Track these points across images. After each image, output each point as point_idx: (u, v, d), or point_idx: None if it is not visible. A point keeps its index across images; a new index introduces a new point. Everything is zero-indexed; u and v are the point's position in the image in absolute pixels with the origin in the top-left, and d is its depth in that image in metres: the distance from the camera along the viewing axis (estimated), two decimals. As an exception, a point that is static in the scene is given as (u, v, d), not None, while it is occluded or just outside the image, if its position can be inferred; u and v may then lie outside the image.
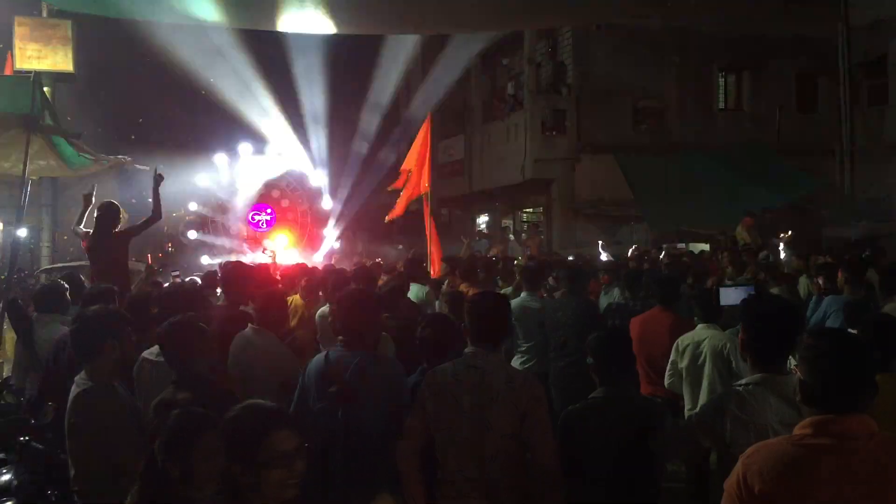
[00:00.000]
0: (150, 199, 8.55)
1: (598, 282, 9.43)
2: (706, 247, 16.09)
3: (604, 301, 8.56)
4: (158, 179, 8.63)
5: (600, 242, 14.83)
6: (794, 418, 3.14)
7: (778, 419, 3.17)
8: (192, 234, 15.06)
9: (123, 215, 8.37)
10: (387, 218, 13.83)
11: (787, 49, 21.38)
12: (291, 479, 2.49)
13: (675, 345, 5.74)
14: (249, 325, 5.08)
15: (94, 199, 8.61)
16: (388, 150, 30.36)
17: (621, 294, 8.46)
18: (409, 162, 12.77)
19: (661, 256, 12.40)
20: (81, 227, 8.33)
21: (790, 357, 3.52)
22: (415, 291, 7.83)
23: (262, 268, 8.52)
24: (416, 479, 3.71)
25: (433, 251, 12.39)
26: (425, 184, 12.25)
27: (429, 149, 12.18)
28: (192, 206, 15.03)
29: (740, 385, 3.36)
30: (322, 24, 10.21)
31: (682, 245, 17.33)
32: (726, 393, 3.38)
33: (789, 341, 3.41)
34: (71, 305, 6.09)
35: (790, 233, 12.99)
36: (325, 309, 6.68)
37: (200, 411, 2.67)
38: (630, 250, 13.30)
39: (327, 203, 16.49)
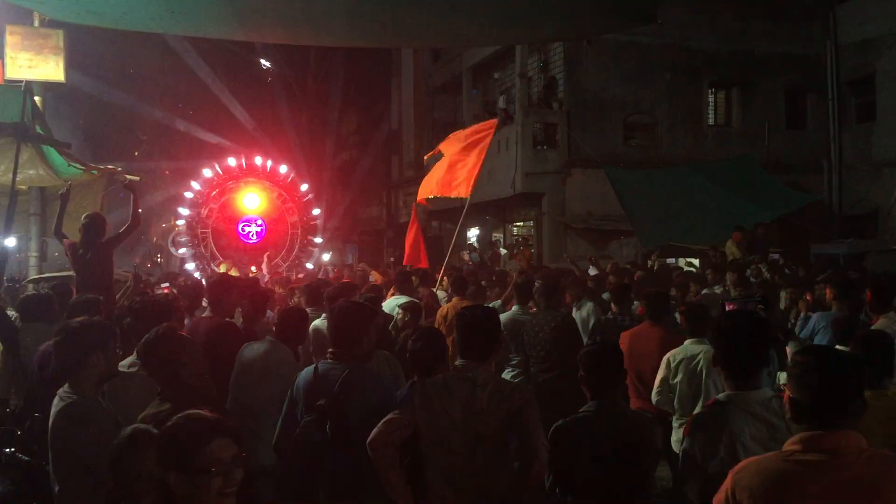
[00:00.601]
0: (130, 208, 8.60)
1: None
2: (696, 262, 16.12)
3: (577, 316, 8.36)
4: (131, 187, 8.73)
5: (591, 257, 14.88)
6: (765, 434, 3.16)
7: (748, 435, 3.18)
8: (182, 250, 15.03)
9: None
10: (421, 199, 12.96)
11: (777, 66, 21.57)
12: (228, 487, 2.46)
13: (664, 361, 5.71)
14: (267, 337, 5.12)
15: (69, 196, 8.66)
16: (375, 159, 30.47)
17: (593, 310, 8.43)
18: (453, 148, 11.74)
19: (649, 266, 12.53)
20: (62, 229, 8.32)
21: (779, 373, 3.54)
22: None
23: (253, 281, 8.53)
24: (397, 473, 3.63)
25: (422, 259, 12.43)
26: (468, 188, 11.30)
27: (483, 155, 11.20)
28: (183, 212, 14.97)
29: (705, 406, 3.37)
30: (314, 37, 10.24)
31: (671, 260, 17.37)
32: (693, 416, 3.38)
33: (759, 355, 3.41)
34: (59, 315, 6.06)
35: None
36: (318, 322, 6.65)
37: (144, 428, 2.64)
38: (608, 266, 13.35)
39: (317, 214, 16.46)
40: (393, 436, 3.63)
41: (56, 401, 3.60)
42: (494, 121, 12.24)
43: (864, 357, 3.72)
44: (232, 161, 15.12)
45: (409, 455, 3.78)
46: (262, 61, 22.91)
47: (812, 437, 2.45)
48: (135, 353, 4.10)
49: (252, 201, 14.87)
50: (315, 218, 15.87)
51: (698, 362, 5.51)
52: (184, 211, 14.86)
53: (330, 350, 4.16)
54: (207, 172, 15.06)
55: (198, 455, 2.42)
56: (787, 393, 2.59)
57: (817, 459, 2.41)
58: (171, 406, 3.45)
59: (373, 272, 13.26)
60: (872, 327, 5.67)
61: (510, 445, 3.69)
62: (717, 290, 9.68)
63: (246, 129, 26.40)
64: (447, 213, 26.48)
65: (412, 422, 3.68)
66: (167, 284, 11.31)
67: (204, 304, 6.70)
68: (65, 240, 8.21)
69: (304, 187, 15.72)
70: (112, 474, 2.51)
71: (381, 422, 3.65)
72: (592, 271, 12.98)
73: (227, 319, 5.86)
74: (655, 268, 13.70)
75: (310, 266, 15.17)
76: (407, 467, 3.73)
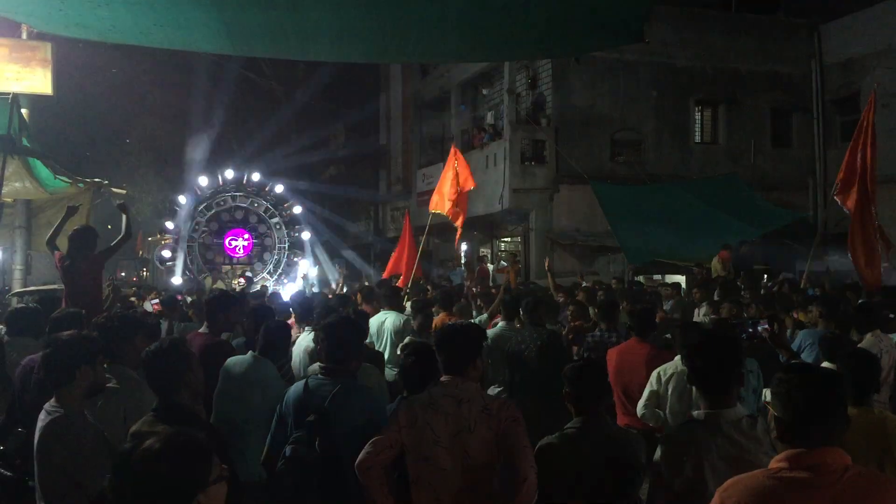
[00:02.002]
0: (122, 222, 8.57)
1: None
2: (682, 279, 16.19)
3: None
4: (122, 207, 8.72)
5: (581, 274, 14.94)
6: (733, 452, 3.18)
7: (716, 454, 3.19)
8: (167, 254, 14.94)
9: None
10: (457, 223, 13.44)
11: (762, 85, 21.80)
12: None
13: (654, 374, 5.67)
14: (250, 352, 5.05)
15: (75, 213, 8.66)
16: (364, 174, 30.48)
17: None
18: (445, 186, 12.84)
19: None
20: (55, 242, 8.27)
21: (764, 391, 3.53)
22: (392, 320, 7.78)
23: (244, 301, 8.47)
24: (385, 494, 3.63)
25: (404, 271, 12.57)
26: (450, 208, 12.42)
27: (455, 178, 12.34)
28: (169, 225, 14.92)
29: (680, 424, 3.39)
30: (303, 52, 10.25)
31: (658, 277, 17.45)
32: (666, 432, 3.40)
33: (731, 372, 3.44)
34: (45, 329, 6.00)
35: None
36: (302, 339, 6.61)
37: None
38: (583, 283, 13.39)
39: (304, 230, 16.44)
40: (380, 457, 3.63)
41: (42, 415, 3.54)
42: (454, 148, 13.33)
43: (849, 374, 3.75)
44: (219, 176, 15.11)
45: (396, 472, 3.77)
46: (257, 76, 22.97)
47: (797, 455, 2.47)
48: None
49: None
50: (301, 233, 15.86)
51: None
52: (170, 224, 14.81)
53: (321, 365, 4.14)
54: (196, 186, 15.04)
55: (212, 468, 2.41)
56: (772, 411, 2.61)
57: (802, 476, 2.42)
58: (167, 428, 3.41)
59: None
60: (859, 346, 5.70)
61: (498, 463, 3.68)
62: (703, 309, 9.68)
63: (233, 143, 26.39)
64: (434, 228, 26.49)
65: (398, 440, 3.67)
66: (156, 301, 11.23)
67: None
68: (56, 251, 8.16)
69: (291, 202, 15.72)
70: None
71: (369, 443, 3.65)
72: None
73: (221, 338, 5.83)
74: (627, 285, 13.74)
75: (294, 281, 15.12)
76: (395, 484, 3.72)
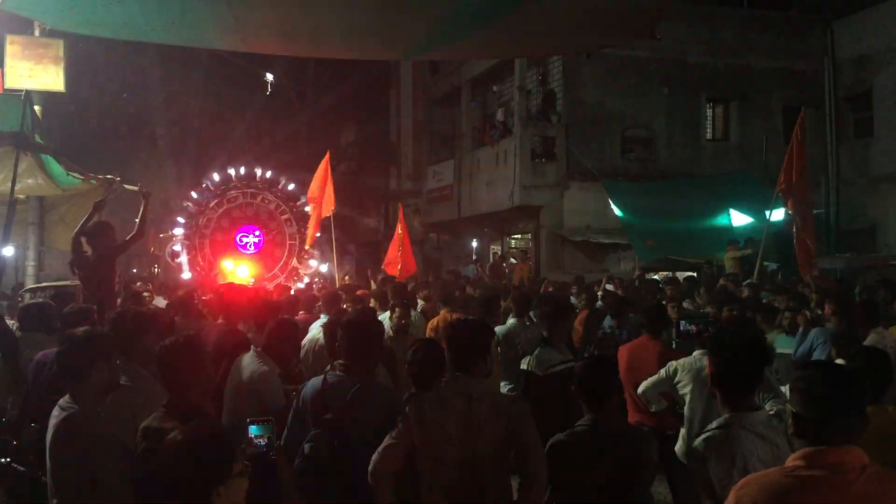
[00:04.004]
0: (137, 219, 8.56)
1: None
2: (693, 275, 16.13)
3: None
4: (146, 198, 8.68)
5: (608, 276, 14.90)
6: (770, 455, 3.15)
7: (756, 457, 3.17)
8: (180, 259, 14.97)
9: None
10: (307, 244, 14.80)
11: (774, 81, 21.68)
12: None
13: (671, 368, 5.59)
14: (252, 347, 5.02)
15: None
16: (374, 170, 30.50)
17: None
18: (313, 191, 14.20)
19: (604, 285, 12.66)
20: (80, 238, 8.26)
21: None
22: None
23: (262, 291, 8.44)
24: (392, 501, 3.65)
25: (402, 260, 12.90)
26: (330, 207, 13.81)
27: (328, 179, 13.98)
28: (178, 230, 14.93)
29: (711, 430, 3.35)
30: (313, 49, 10.25)
31: (668, 273, 17.39)
32: (702, 440, 3.36)
33: (758, 374, 3.42)
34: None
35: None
36: (312, 336, 6.60)
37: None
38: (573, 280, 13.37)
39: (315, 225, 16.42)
40: (393, 462, 3.64)
41: (56, 411, 3.52)
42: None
43: (864, 372, 3.72)
44: (231, 171, 15.12)
45: (404, 471, 3.76)
46: (267, 74, 22.95)
47: (814, 453, 2.44)
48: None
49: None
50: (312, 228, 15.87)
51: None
52: (182, 221, 14.84)
53: (340, 362, 4.13)
54: (206, 182, 15.06)
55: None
56: (789, 407, 2.59)
57: (819, 475, 2.40)
58: (178, 424, 3.42)
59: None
60: (864, 343, 5.66)
61: (508, 460, 3.67)
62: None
63: (245, 139, 26.43)
64: (445, 225, 26.53)
65: (410, 441, 3.67)
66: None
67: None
68: (76, 248, 8.17)
69: (303, 199, 15.72)
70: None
71: (381, 448, 3.64)
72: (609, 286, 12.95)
73: (238, 328, 5.84)
74: (637, 283, 13.68)
75: (306, 280, 15.13)
76: (402, 483, 3.71)
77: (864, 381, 2.67)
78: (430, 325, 8.05)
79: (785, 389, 4.28)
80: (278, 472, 3.73)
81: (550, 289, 12.03)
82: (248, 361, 4.85)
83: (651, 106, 21.14)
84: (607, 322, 8.49)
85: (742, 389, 3.37)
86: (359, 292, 9.79)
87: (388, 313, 7.68)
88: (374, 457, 3.62)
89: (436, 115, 28.51)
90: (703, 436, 3.34)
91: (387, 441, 3.66)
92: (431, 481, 3.65)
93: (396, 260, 14.40)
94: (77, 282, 8.55)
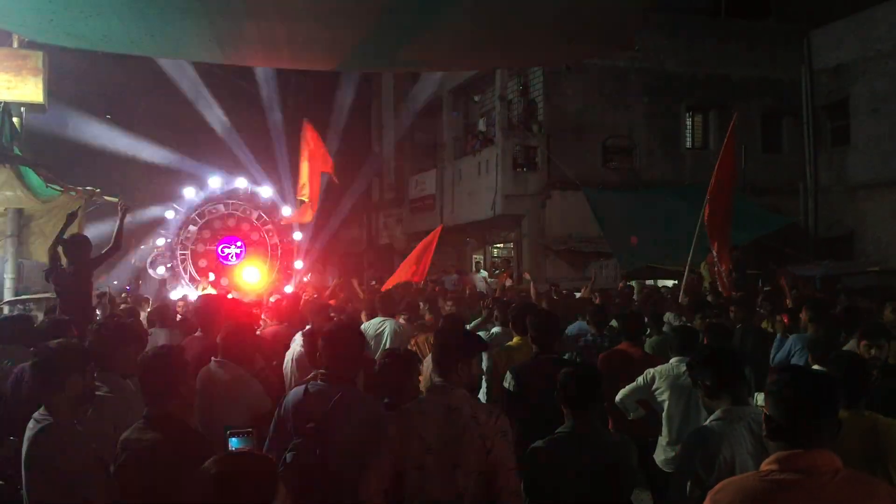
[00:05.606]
0: (115, 230, 8.52)
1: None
2: (674, 282, 16.23)
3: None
4: (124, 211, 8.64)
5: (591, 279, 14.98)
6: (760, 450, 3.19)
7: (747, 449, 3.22)
8: (161, 271, 14.92)
9: None
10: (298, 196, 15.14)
11: (753, 90, 21.87)
12: None
13: (648, 375, 5.63)
14: (213, 358, 4.96)
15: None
16: (358, 183, 30.47)
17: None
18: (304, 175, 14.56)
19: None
20: (56, 250, 8.22)
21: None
22: (391, 327, 7.73)
23: (236, 301, 8.42)
24: None
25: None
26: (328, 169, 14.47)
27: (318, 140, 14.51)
28: (160, 241, 14.89)
29: (711, 421, 3.41)
30: (294, 60, 10.27)
31: (650, 282, 17.49)
32: (693, 433, 3.41)
33: (742, 369, 3.57)
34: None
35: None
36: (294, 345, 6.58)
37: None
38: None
39: (297, 236, 16.42)
40: (384, 482, 3.63)
41: (31, 423, 3.49)
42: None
43: (840, 378, 3.76)
44: (213, 183, 15.10)
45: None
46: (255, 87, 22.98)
47: (788, 457, 2.47)
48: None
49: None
50: (295, 240, 15.86)
51: (686, 380, 5.44)
52: (162, 233, 14.80)
53: (321, 371, 4.13)
54: (187, 195, 15.02)
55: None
56: (764, 409, 2.63)
57: (793, 479, 2.43)
58: (159, 435, 3.41)
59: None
60: (844, 348, 5.72)
61: (488, 470, 3.67)
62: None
63: (225, 150, 26.32)
64: (427, 235, 26.46)
65: (395, 455, 3.65)
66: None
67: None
68: (53, 260, 8.13)
69: (286, 210, 15.72)
70: None
71: (371, 469, 3.63)
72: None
73: (216, 340, 5.80)
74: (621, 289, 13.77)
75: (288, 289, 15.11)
76: (385, 491, 3.71)
77: (837, 385, 2.70)
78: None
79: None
80: None
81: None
82: (216, 370, 4.82)
83: (631, 115, 21.28)
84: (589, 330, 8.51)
85: (733, 385, 3.55)
86: (331, 301, 9.81)
87: (372, 321, 7.72)
88: (367, 481, 3.61)
89: (417, 125, 28.54)
90: (699, 427, 3.44)
91: (376, 462, 3.65)
92: (414, 491, 3.64)
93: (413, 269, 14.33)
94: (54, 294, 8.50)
